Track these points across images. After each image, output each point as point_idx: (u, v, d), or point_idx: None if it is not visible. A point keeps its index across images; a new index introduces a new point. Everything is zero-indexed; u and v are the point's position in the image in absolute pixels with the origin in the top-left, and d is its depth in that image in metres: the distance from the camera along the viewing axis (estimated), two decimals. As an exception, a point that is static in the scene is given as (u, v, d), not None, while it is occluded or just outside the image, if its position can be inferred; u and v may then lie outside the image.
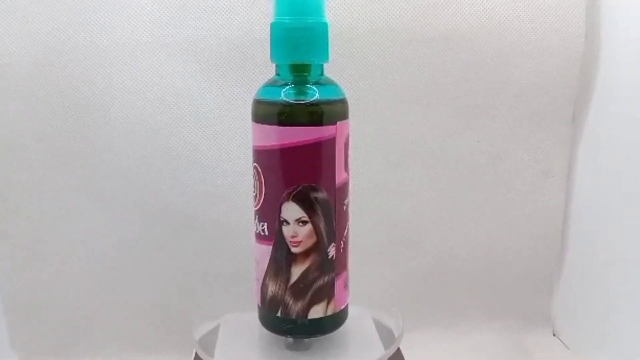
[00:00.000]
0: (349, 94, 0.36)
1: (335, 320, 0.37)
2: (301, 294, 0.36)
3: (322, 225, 0.35)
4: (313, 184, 0.34)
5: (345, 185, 0.36)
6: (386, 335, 0.41)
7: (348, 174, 0.36)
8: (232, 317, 0.42)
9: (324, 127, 0.34)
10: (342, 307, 0.37)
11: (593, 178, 0.49)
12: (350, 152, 0.36)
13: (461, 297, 0.53)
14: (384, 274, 0.52)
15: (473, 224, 0.52)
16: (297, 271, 0.36)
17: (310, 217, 0.35)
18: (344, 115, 0.35)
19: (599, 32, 0.48)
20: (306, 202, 0.34)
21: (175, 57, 0.46)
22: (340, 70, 0.46)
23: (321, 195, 0.35)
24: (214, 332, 0.41)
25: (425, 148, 0.50)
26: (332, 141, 0.34)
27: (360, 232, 0.50)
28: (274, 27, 0.34)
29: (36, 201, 0.48)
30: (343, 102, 0.35)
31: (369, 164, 0.50)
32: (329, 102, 0.34)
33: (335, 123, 0.34)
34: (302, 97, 0.34)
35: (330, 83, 0.35)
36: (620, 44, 0.46)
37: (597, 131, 0.49)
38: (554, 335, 0.55)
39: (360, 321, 0.41)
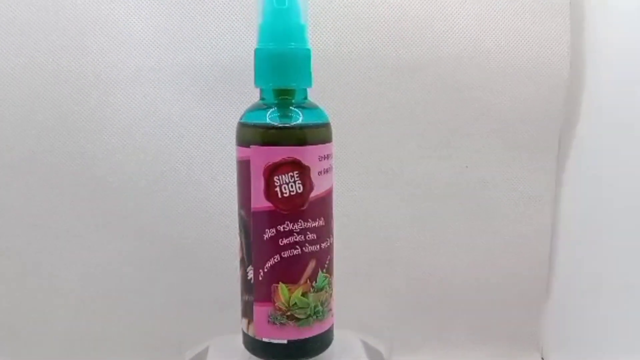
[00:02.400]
0: (335, 118, 0.37)
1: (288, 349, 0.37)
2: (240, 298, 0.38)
3: (242, 242, 0.37)
4: (241, 201, 0.36)
5: (266, 215, 0.35)
6: (375, 358, 0.41)
7: (277, 207, 0.35)
8: (221, 339, 0.42)
9: (239, 148, 0.35)
10: (265, 338, 0.37)
11: (579, 203, 0.49)
12: (289, 183, 0.34)
13: (449, 322, 0.53)
14: (371, 298, 0.52)
15: (460, 249, 0.52)
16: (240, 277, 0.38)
17: (239, 229, 0.37)
18: (279, 140, 0.34)
19: (583, 60, 0.49)
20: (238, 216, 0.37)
21: (169, 81, 0.47)
22: (326, 95, 0.47)
23: (242, 213, 0.36)
24: (203, 354, 0.41)
25: (412, 174, 0.50)
26: (245, 163, 0.35)
27: (347, 257, 0.51)
28: (257, 53, 0.35)
29: (25, 224, 0.49)
30: (324, 126, 0.36)
31: (355, 189, 0.50)
32: (311, 126, 0.35)
33: (249, 146, 0.34)
34: (287, 121, 0.35)
35: (313, 107, 0.36)
36: (605, 71, 0.47)
37: (582, 156, 0.49)
38: (542, 359, 0.54)
39: (348, 343, 0.42)
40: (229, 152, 0.38)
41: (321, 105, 0.37)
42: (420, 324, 0.53)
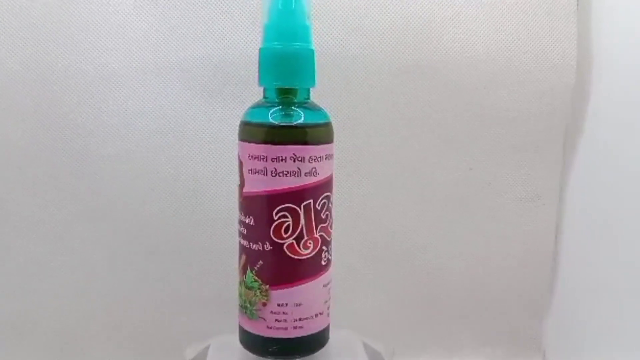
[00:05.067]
0: (339, 120, 0.37)
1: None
2: None
3: None
4: None
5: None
6: (375, 359, 0.41)
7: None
8: (222, 338, 0.42)
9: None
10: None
11: (583, 203, 0.49)
12: (238, 174, 0.36)
13: (450, 322, 0.53)
14: (373, 299, 0.52)
15: (463, 249, 0.52)
16: None
17: None
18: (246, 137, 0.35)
19: (590, 61, 0.48)
20: None
21: (167, 80, 0.47)
22: (331, 96, 0.47)
23: None
24: (204, 353, 0.41)
25: (416, 174, 0.50)
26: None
27: (349, 256, 0.51)
28: (262, 52, 0.35)
29: (23, 222, 0.49)
30: (324, 126, 0.36)
31: (360, 189, 0.50)
32: (313, 125, 0.36)
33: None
34: (288, 120, 0.35)
35: (315, 107, 0.37)
36: (611, 72, 0.46)
37: (587, 158, 0.49)
38: (545, 361, 0.55)
39: (349, 344, 0.42)
40: (232, 151, 0.38)
41: (324, 106, 0.37)
42: (422, 325, 0.53)
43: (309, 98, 0.36)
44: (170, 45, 0.47)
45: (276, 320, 0.36)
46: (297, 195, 0.35)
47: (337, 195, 0.38)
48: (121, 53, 0.47)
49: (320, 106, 0.37)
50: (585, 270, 0.49)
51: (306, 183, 0.35)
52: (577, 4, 0.48)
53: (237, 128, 0.37)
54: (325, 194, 0.36)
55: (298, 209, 0.35)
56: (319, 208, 0.36)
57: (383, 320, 0.52)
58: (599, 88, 0.48)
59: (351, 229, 0.50)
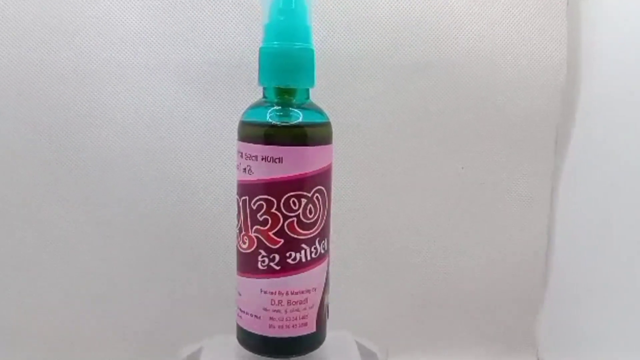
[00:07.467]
0: (337, 119, 0.37)
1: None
2: None
3: None
4: None
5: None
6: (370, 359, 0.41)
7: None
8: (215, 339, 0.42)
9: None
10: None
11: (576, 204, 0.50)
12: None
13: (444, 322, 0.53)
14: (367, 298, 0.52)
15: (456, 250, 0.52)
16: None
17: None
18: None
19: (580, 61, 0.49)
20: None
21: (165, 78, 0.47)
22: (328, 96, 0.47)
23: None
24: (197, 354, 0.41)
25: (409, 174, 0.50)
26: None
27: (345, 257, 0.51)
28: (262, 51, 0.35)
29: (18, 222, 0.48)
30: (321, 126, 0.36)
31: (354, 189, 0.50)
32: (312, 125, 0.35)
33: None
34: (286, 120, 0.35)
35: (313, 107, 0.36)
36: (602, 72, 0.47)
37: (579, 158, 0.50)
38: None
39: (343, 345, 0.42)
40: (231, 150, 0.38)
41: (322, 105, 0.37)
42: (415, 324, 0.53)
43: (308, 98, 0.36)
44: (171, 44, 0.47)
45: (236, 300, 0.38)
46: (238, 188, 0.36)
47: (334, 193, 0.38)
48: (120, 51, 0.46)
49: (320, 106, 0.37)
50: (578, 269, 0.49)
51: (242, 178, 0.36)
52: (567, 5, 0.49)
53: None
54: (264, 197, 0.34)
55: (240, 201, 0.36)
56: (254, 208, 0.35)
57: (377, 319, 0.52)
58: (589, 88, 0.49)
59: (346, 228, 0.50)
